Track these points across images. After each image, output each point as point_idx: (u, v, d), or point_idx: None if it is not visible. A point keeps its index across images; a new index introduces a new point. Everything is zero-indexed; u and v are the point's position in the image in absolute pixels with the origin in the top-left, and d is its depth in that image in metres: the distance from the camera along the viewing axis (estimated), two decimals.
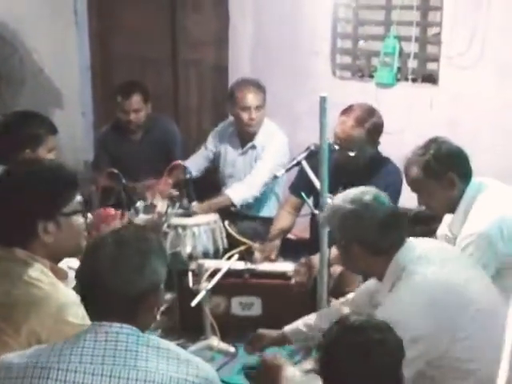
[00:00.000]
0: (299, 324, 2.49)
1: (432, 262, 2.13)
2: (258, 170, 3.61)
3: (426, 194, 2.70)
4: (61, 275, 1.93)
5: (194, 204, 3.16)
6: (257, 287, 2.80)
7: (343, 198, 2.21)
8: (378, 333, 1.65)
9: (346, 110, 3.16)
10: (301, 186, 3.27)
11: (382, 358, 1.63)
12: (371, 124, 3.14)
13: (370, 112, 3.18)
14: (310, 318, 2.48)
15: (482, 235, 2.51)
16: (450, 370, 2.06)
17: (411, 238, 2.22)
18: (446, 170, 2.62)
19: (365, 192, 2.20)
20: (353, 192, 2.22)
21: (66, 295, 1.83)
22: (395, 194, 3.18)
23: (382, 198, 2.19)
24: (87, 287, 1.63)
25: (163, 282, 1.68)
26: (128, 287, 1.59)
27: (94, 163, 4.17)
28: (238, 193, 3.57)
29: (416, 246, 2.18)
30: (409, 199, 3.07)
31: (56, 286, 1.87)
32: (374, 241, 2.13)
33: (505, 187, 2.75)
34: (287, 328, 2.50)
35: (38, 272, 1.86)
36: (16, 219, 1.87)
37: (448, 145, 2.69)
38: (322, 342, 1.72)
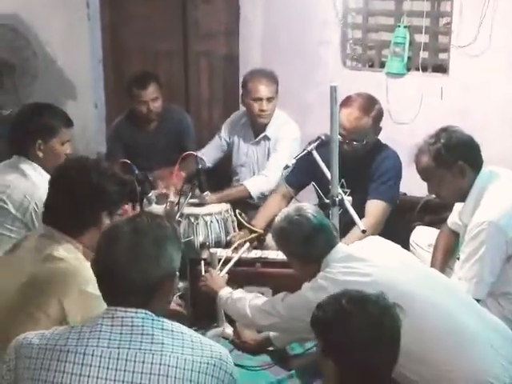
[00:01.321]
0: None
1: (354, 261, 2.29)
2: (274, 164, 3.60)
3: (437, 182, 2.71)
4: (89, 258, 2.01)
5: (207, 193, 3.19)
6: (267, 277, 2.82)
7: (279, 216, 2.45)
8: (381, 305, 1.72)
9: (348, 102, 3.13)
10: (297, 177, 3.30)
11: (390, 327, 1.69)
12: (376, 111, 3.16)
13: (372, 100, 3.19)
14: None
15: (493, 223, 2.53)
16: None
17: (340, 244, 2.41)
18: (456, 159, 2.64)
19: (297, 208, 2.42)
20: (287, 209, 2.45)
21: (89, 270, 1.86)
22: (395, 178, 3.22)
23: (310, 212, 2.39)
24: (104, 275, 1.65)
25: (177, 268, 1.70)
26: (146, 276, 1.61)
27: (108, 154, 4.20)
28: (255, 185, 3.59)
29: (341, 249, 2.37)
30: (418, 188, 3.10)
31: (81, 262, 2.03)
32: (303, 253, 2.36)
33: None
34: (272, 334, 2.62)
35: (66, 250, 2.04)
36: (76, 213, 1.99)
37: (459, 134, 2.71)
38: (322, 316, 1.74)
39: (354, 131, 3.09)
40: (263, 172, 3.66)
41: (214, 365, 1.61)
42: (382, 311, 1.71)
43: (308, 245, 2.34)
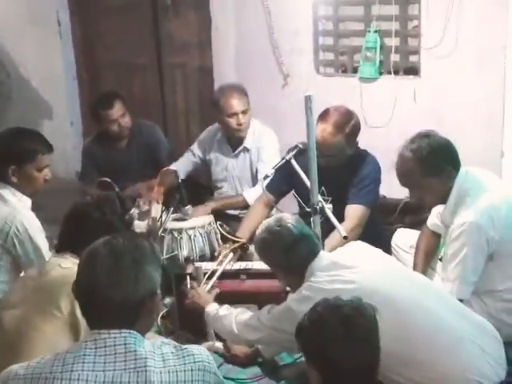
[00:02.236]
0: None
1: (338, 269, 2.32)
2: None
3: (422, 190, 2.71)
4: None
5: (189, 207, 3.21)
6: (252, 294, 2.81)
7: (260, 227, 2.48)
8: (356, 306, 1.77)
9: (324, 116, 3.14)
10: (278, 184, 3.33)
11: (365, 327, 1.73)
12: (350, 128, 3.16)
13: (348, 115, 3.19)
14: None
15: (473, 223, 2.55)
16: None
17: (323, 252, 2.44)
18: (444, 165, 2.65)
19: (277, 219, 2.45)
20: (268, 220, 2.49)
21: None
22: (375, 183, 3.25)
23: (290, 222, 2.42)
24: (85, 298, 1.68)
25: (158, 286, 1.73)
26: (126, 297, 1.64)
27: (82, 175, 4.21)
28: (253, 195, 3.62)
29: (325, 257, 2.40)
30: (397, 190, 3.15)
31: None
32: (286, 263, 2.39)
33: (490, 175, 2.80)
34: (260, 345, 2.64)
35: (74, 263, 2.12)
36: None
37: (439, 138, 2.71)
38: (301, 325, 1.79)
39: (327, 147, 3.09)
40: (262, 184, 3.67)
41: (199, 369, 1.65)
42: (355, 312, 1.74)
43: (290, 254, 2.36)
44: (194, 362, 1.65)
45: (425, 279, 2.56)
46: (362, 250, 2.50)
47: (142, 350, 1.62)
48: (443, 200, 2.71)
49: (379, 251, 2.52)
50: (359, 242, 2.62)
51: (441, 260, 2.90)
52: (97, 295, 1.64)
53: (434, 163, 2.64)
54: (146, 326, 1.73)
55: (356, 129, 3.20)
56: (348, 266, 2.33)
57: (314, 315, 1.78)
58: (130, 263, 1.66)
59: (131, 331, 1.64)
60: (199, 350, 1.71)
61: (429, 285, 2.48)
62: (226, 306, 2.61)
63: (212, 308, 2.61)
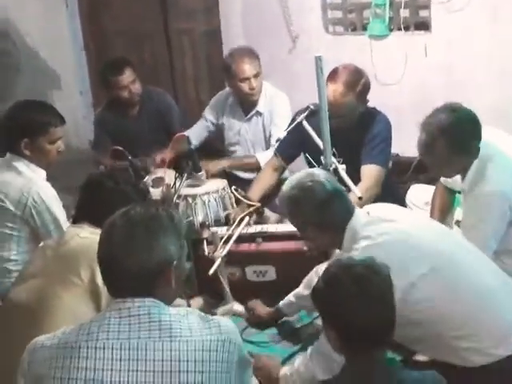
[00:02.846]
0: (290, 296, 2.60)
1: (379, 225, 2.20)
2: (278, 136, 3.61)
3: (447, 167, 2.68)
4: None
5: (202, 173, 3.20)
6: (269, 255, 2.81)
7: (288, 184, 2.32)
8: (369, 265, 1.75)
9: (333, 76, 3.09)
10: (288, 147, 3.31)
11: (379, 285, 1.72)
12: (361, 86, 3.11)
13: (358, 73, 3.14)
14: (300, 288, 2.57)
15: (499, 192, 2.55)
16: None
17: (359, 209, 2.28)
18: (473, 142, 2.58)
19: (308, 174, 2.30)
20: (296, 177, 2.32)
21: None
22: (386, 141, 3.22)
23: (323, 177, 2.27)
24: (105, 267, 1.70)
25: (177, 257, 1.72)
26: (140, 266, 1.65)
27: (95, 144, 4.21)
28: (266, 157, 3.60)
29: (363, 214, 2.26)
30: (410, 148, 3.12)
31: None
32: (320, 220, 2.23)
33: (504, 136, 2.77)
34: (281, 302, 2.63)
35: (92, 232, 2.25)
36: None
37: (467, 113, 2.61)
38: (316, 286, 1.79)
39: (338, 107, 3.05)
40: (272, 147, 3.66)
41: (224, 340, 1.65)
42: (368, 271, 1.73)
43: (325, 210, 2.21)
44: (221, 333, 1.66)
45: (460, 235, 2.54)
46: (395, 208, 2.41)
47: (166, 320, 1.63)
48: (464, 172, 2.67)
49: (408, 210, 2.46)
50: (386, 203, 2.49)
51: (457, 223, 2.90)
52: (114, 264, 1.66)
53: (463, 141, 2.56)
54: (168, 296, 1.73)
55: (366, 87, 3.17)
56: (393, 220, 2.24)
57: (327, 276, 1.78)
58: (144, 232, 1.67)
59: (154, 300, 1.65)
60: (226, 322, 1.71)
61: (463, 241, 2.43)
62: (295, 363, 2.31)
63: (284, 371, 2.32)
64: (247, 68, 3.65)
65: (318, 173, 2.31)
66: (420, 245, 2.16)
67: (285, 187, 2.32)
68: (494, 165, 2.59)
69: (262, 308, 2.71)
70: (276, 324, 2.68)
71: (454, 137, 2.55)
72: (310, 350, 2.21)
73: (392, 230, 2.18)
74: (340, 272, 1.76)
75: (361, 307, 1.69)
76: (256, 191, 3.29)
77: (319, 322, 2.14)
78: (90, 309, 2.12)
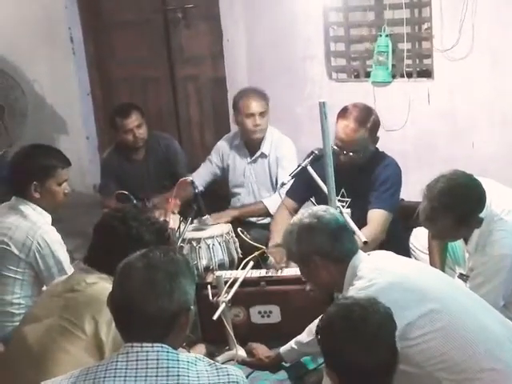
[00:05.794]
0: (292, 342, 2.59)
1: (378, 266, 2.21)
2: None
3: (449, 235, 2.72)
4: None
5: (207, 217, 3.21)
6: (274, 295, 2.82)
7: (299, 215, 2.34)
8: (368, 305, 1.75)
9: (344, 114, 3.16)
10: (299, 190, 3.33)
11: (375, 326, 1.70)
12: (371, 122, 3.18)
13: (368, 111, 3.22)
14: (302, 335, 2.55)
15: (508, 256, 2.59)
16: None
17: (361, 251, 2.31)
18: (475, 215, 2.59)
19: (320, 207, 2.37)
20: (307, 210, 2.36)
21: None
22: (396, 186, 3.23)
23: (334, 211, 2.34)
24: (120, 311, 1.67)
25: (192, 302, 1.71)
26: (161, 310, 1.63)
27: (102, 188, 4.24)
28: (273, 202, 3.63)
29: (364, 254, 2.28)
30: (415, 193, 3.12)
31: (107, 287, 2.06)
32: (330, 249, 2.23)
33: (504, 190, 2.78)
34: (282, 348, 2.62)
35: (100, 278, 2.23)
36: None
37: (472, 187, 2.59)
38: (317, 328, 1.79)
39: (351, 143, 3.11)
40: (279, 191, 3.68)
41: None
42: (365, 312, 1.73)
43: (336, 239, 2.24)
44: (229, 382, 1.64)
45: (462, 283, 2.55)
46: (394, 257, 2.38)
47: (174, 366, 1.61)
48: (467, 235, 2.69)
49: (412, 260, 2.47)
50: (388, 252, 2.49)
51: (461, 276, 2.89)
52: (131, 308, 1.63)
53: (467, 216, 2.57)
54: (179, 341, 1.72)
55: (377, 124, 3.22)
56: (389, 263, 2.26)
57: (324, 318, 1.78)
58: (165, 276, 1.66)
59: (163, 345, 1.63)
60: (234, 371, 1.69)
61: (467, 289, 2.45)
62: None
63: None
64: (254, 105, 3.72)
65: (328, 207, 2.38)
66: (419, 288, 2.14)
67: (295, 218, 2.33)
68: (498, 227, 2.61)
69: (264, 351, 2.68)
70: (284, 368, 2.66)
71: (458, 213, 2.54)
72: None
73: (390, 272, 2.18)
74: (336, 314, 1.76)
75: (358, 348, 1.68)
76: (278, 237, 3.16)
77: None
78: (95, 360, 2.07)
